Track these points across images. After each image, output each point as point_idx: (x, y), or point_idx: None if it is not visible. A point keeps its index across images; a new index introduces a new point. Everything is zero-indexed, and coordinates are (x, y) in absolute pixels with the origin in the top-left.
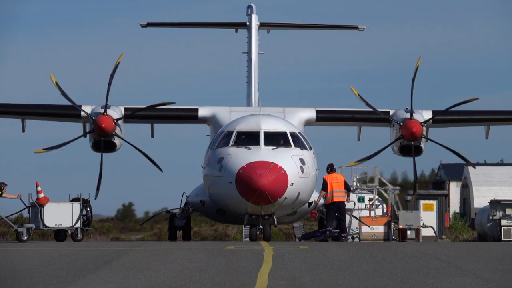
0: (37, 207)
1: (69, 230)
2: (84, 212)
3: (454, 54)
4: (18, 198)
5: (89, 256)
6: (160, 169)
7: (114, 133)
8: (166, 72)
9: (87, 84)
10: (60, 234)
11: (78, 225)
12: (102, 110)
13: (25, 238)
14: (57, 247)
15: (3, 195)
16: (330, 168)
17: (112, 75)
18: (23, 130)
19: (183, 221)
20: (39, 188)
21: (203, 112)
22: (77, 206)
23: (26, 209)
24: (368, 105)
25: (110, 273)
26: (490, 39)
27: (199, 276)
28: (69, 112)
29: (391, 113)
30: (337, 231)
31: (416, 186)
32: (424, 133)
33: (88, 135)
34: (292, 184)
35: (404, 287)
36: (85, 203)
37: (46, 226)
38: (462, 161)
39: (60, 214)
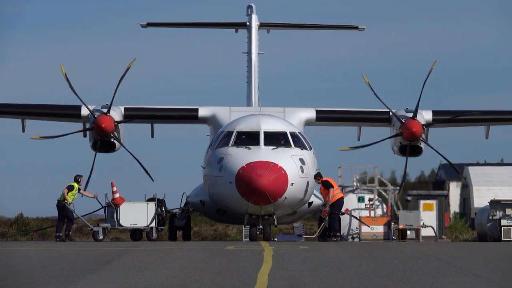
0: (112, 207)
1: (145, 230)
2: (159, 212)
3: (454, 54)
4: (94, 198)
5: (89, 256)
6: (152, 178)
7: (112, 134)
8: (166, 72)
9: (87, 84)
10: (136, 234)
11: (153, 224)
12: (104, 110)
13: (101, 237)
14: (57, 247)
15: (81, 191)
16: (320, 176)
17: (121, 78)
18: (23, 130)
19: (183, 221)
20: (115, 188)
21: (203, 112)
22: (152, 206)
23: (102, 209)
24: (376, 96)
25: (110, 273)
26: (490, 39)
27: (199, 276)
28: (69, 112)
29: (391, 113)
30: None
31: (403, 186)
32: (424, 135)
33: (88, 135)
34: (292, 184)
35: (404, 287)
36: (160, 203)
37: (122, 226)
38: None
39: (136, 214)
